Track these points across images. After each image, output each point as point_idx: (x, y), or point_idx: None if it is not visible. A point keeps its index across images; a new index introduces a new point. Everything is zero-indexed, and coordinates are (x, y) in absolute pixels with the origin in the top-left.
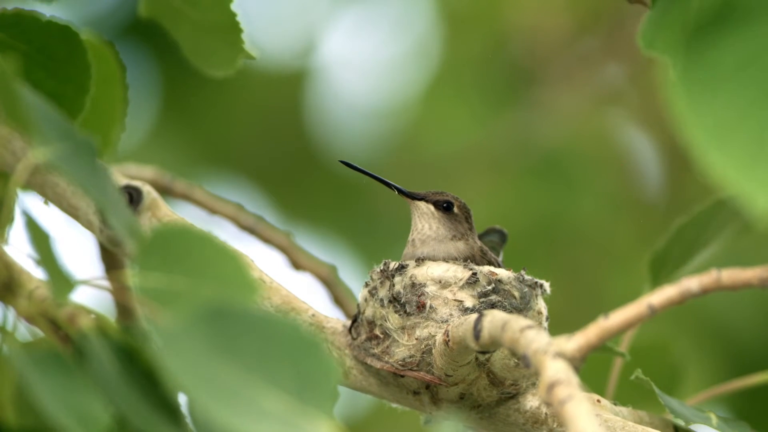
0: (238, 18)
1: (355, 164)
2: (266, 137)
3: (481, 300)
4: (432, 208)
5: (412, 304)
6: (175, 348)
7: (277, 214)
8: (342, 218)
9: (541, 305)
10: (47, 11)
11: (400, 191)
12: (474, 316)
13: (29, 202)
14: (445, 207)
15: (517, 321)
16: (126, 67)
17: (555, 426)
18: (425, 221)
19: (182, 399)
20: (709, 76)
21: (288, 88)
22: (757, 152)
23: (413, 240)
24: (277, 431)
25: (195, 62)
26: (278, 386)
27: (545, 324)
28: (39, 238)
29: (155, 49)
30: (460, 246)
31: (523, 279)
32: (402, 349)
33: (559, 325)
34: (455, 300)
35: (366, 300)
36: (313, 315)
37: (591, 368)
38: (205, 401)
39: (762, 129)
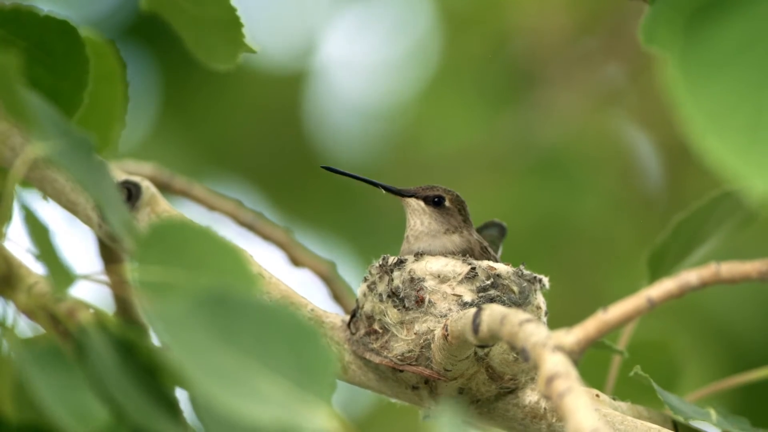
0: (238, 13)
1: (337, 168)
2: (266, 137)
3: (480, 295)
4: (422, 203)
5: (410, 298)
6: (174, 331)
7: (276, 214)
8: (340, 218)
9: (540, 300)
10: (45, 6)
11: (387, 189)
12: (473, 310)
13: (28, 197)
14: (435, 201)
15: (516, 314)
16: (126, 65)
17: (554, 421)
18: (417, 217)
19: (180, 393)
20: (707, 60)
21: (288, 88)
22: (754, 136)
23: (407, 237)
24: (275, 415)
25: (197, 56)
26: (277, 372)
27: (544, 319)
28: (38, 231)
29: (156, 50)
30: (455, 239)
31: (522, 274)
32: (401, 343)
33: (558, 325)
34: (454, 294)
35: (365, 295)
36: (312, 310)
37: (589, 367)
38: (204, 383)
39: (759, 113)
